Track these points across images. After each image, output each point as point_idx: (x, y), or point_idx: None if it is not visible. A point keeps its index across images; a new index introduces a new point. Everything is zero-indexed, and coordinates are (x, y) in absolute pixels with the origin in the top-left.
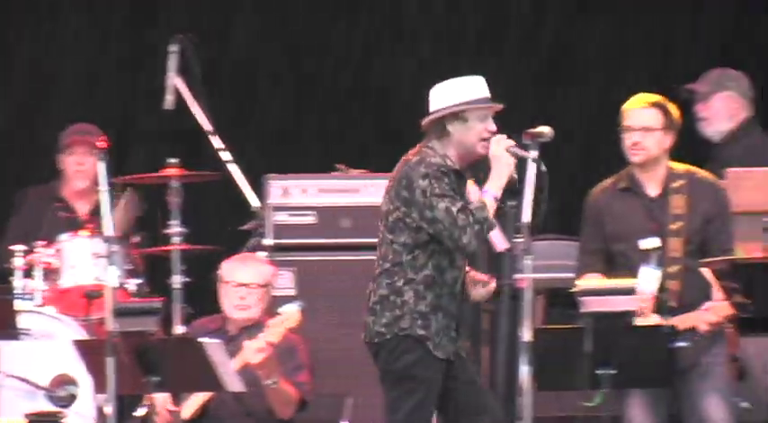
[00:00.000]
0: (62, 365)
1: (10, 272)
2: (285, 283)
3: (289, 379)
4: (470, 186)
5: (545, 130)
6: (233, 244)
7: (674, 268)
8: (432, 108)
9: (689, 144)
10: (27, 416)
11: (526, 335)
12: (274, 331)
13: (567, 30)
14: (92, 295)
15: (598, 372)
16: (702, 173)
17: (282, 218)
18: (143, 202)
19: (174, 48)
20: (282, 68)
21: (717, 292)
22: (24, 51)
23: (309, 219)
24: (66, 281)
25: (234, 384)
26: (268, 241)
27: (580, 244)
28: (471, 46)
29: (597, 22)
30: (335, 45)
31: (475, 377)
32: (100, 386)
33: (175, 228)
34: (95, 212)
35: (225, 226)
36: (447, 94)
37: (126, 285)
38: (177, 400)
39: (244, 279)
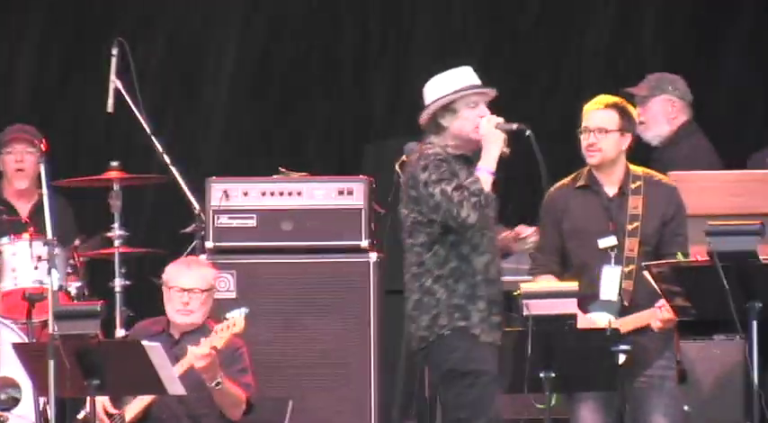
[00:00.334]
0: (3, 369)
1: None
2: (226, 285)
3: (235, 381)
4: None
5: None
6: (175, 247)
7: (628, 268)
8: (425, 105)
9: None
10: None
11: None
12: (220, 336)
13: None
14: (33, 298)
15: (540, 375)
16: (659, 175)
17: (223, 221)
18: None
19: (114, 51)
20: (227, 70)
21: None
22: None
23: (250, 221)
24: (6, 284)
25: (175, 387)
26: (209, 244)
27: (536, 243)
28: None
29: None
30: (279, 46)
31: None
32: (41, 389)
33: (117, 231)
34: (37, 212)
35: (167, 229)
36: (434, 88)
37: (67, 288)
38: (120, 403)
39: (187, 284)
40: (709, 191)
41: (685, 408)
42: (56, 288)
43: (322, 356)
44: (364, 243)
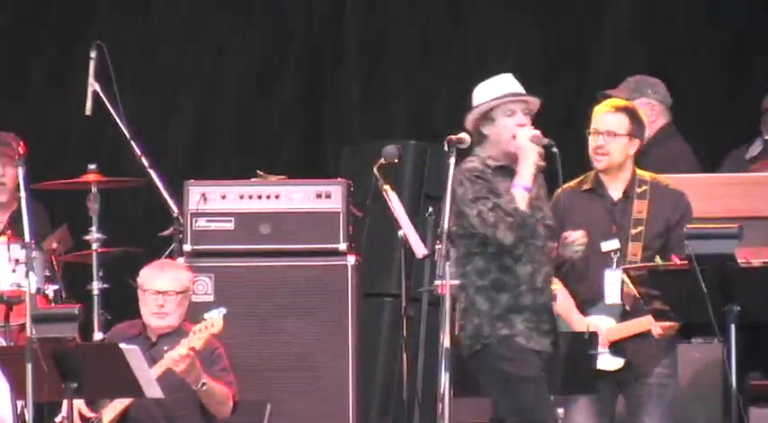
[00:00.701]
0: None
1: None
2: (203, 288)
3: (219, 379)
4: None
5: (464, 136)
6: (153, 250)
7: None
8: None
9: None
10: None
11: (446, 341)
12: (198, 337)
13: None
14: (11, 302)
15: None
16: (667, 180)
17: (201, 224)
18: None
19: (92, 54)
20: (204, 72)
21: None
22: None
23: (228, 224)
24: None
25: (153, 390)
26: (187, 247)
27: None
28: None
29: None
30: (256, 48)
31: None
32: (19, 392)
33: (94, 234)
34: (15, 217)
35: (145, 232)
36: (476, 95)
37: (45, 291)
38: (97, 406)
39: (162, 287)
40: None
41: None
42: (33, 291)
43: (299, 359)
44: (342, 246)
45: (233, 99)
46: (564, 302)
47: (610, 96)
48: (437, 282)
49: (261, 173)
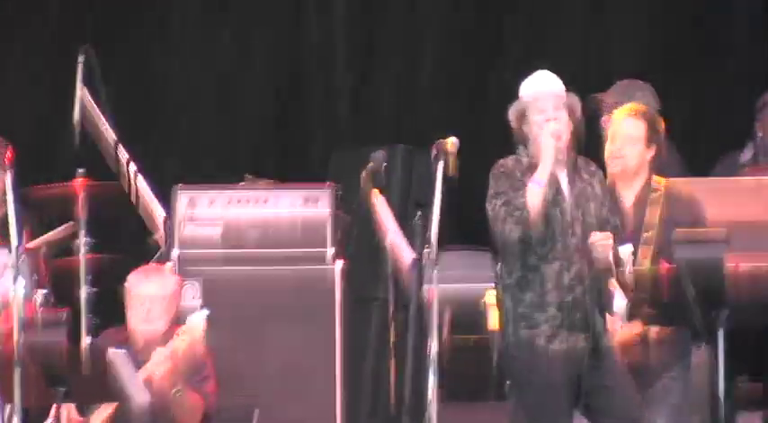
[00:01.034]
0: None
1: None
2: (191, 294)
3: (195, 389)
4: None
5: (453, 140)
6: (141, 255)
7: None
8: None
9: (598, 154)
10: None
11: (433, 346)
12: (182, 339)
13: None
14: None
15: (505, 383)
16: (681, 186)
17: (189, 229)
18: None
19: (81, 59)
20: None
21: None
22: None
23: (216, 230)
24: None
25: (140, 395)
26: (175, 252)
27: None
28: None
29: None
30: (244, 52)
31: (612, 379)
32: (7, 398)
33: (82, 238)
34: (2, 223)
35: (133, 237)
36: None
37: (33, 296)
38: (85, 411)
39: (148, 292)
40: None
41: None
42: (21, 296)
43: (287, 364)
44: (329, 251)
45: (221, 103)
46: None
47: (599, 101)
48: (425, 287)
49: (249, 178)
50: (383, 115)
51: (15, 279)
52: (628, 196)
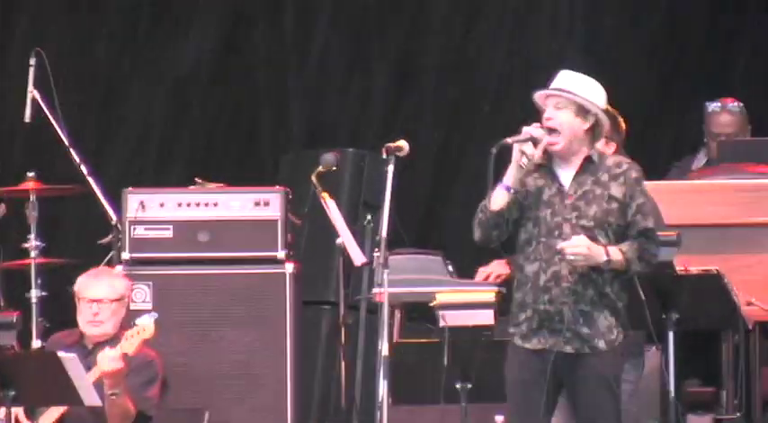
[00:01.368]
0: None
1: None
2: (142, 296)
3: (135, 393)
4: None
5: (403, 144)
6: (92, 258)
7: None
8: None
9: None
10: None
11: (384, 349)
12: (130, 342)
13: None
14: None
15: (456, 386)
16: None
17: (140, 231)
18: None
19: (32, 61)
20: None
21: None
22: None
23: (167, 232)
24: None
25: (90, 398)
26: (125, 255)
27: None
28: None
29: None
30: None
31: (592, 380)
32: None
33: (33, 241)
34: None
35: (84, 239)
36: None
37: None
38: (33, 413)
39: (96, 295)
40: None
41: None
42: None
43: (238, 367)
44: (281, 254)
45: (171, 106)
46: None
47: None
48: (375, 289)
49: (199, 181)
50: (334, 118)
51: None
52: None
